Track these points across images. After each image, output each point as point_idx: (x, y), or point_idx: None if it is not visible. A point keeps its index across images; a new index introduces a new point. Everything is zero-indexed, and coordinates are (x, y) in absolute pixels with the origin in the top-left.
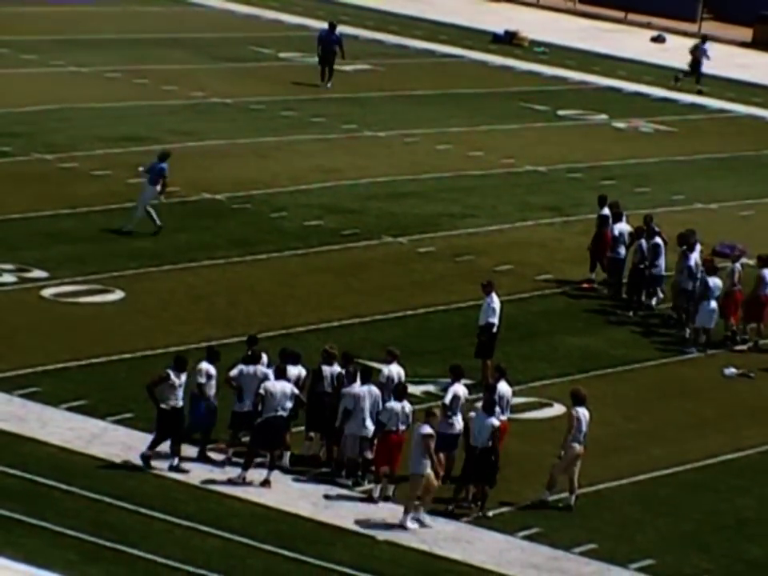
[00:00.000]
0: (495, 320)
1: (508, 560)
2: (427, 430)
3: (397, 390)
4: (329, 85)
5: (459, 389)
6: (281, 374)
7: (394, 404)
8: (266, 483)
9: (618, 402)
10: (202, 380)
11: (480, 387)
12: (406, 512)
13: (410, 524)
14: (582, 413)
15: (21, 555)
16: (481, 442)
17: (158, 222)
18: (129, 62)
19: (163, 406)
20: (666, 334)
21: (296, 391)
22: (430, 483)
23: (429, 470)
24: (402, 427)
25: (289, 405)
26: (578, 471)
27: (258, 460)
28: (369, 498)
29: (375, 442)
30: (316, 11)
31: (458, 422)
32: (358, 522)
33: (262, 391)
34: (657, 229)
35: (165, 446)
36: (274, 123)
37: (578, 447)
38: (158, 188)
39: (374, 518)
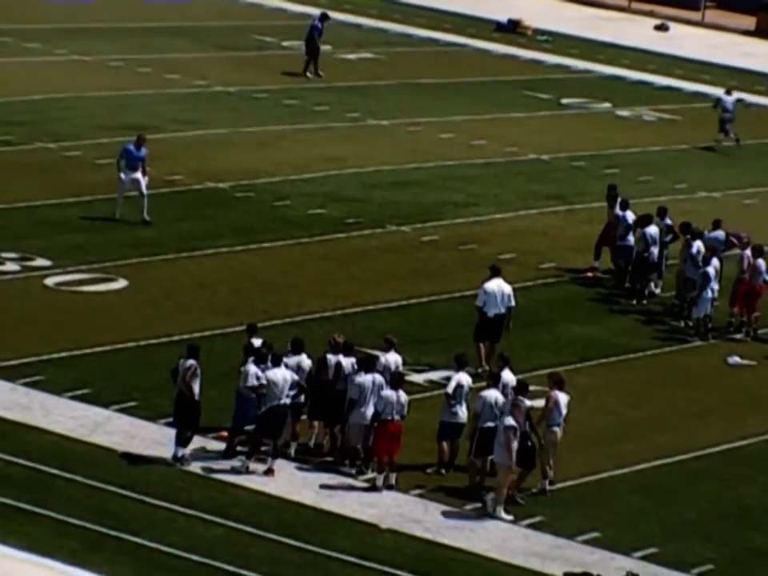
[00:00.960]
0: (479, 303)
1: (511, 548)
2: (509, 422)
3: (393, 379)
4: (320, 74)
5: (463, 377)
6: (277, 362)
7: (389, 392)
8: (269, 472)
9: (621, 390)
10: (254, 382)
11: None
12: (498, 502)
13: (504, 515)
14: (561, 397)
15: (24, 544)
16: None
17: (118, 214)
18: (132, 50)
19: (196, 398)
20: (668, 323)
21: (296, 377)
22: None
23: (512, 462)
24: (397, 417)
25: (290, 392)
26: (554, 456)
27: (262, 448)
28: (372, 487)
29: (372, 431)
30: (319, 0)
31: (462, 411)
32: (360, 511)
33: (264, 380)
34: (670, 222)
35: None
36: (276, 112)
37: (558, 432)
38: (139, 174)
39: (377, 506)
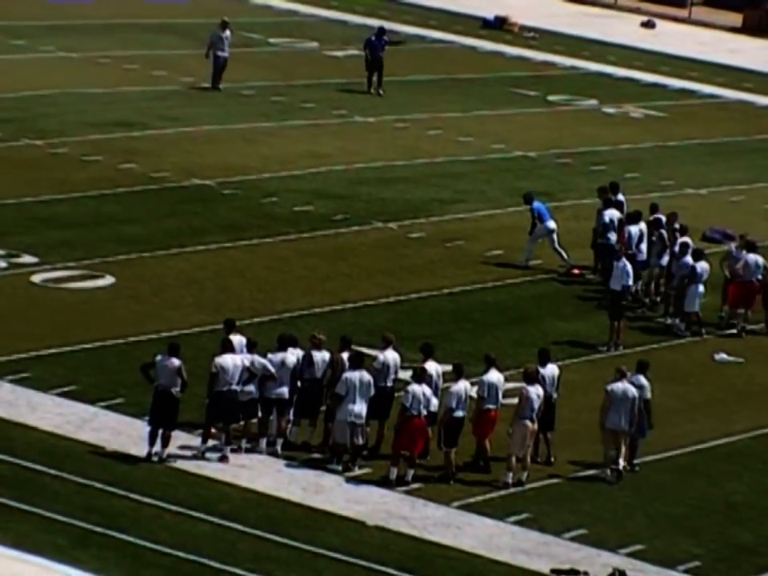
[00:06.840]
0: (630, 282)
1: (498, 545)
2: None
3: (415, 374)
4: (381, 92)
5: (432, 366)
6: (228, 348)
7: (414, 387)
8: (223, 459)
9: None
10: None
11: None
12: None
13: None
14: (534, 391)
15: (10, 540)
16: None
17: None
18: (118, 47)
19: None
20: (654, 319)
21: (246, 363)
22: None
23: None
24: (424, 411)
25: (239, 378)
26: (531, 448)
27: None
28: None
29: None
30: None
31: (433, 400)
32: (347, 508)
33: (213, 369)
34: (672, 223)
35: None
36: (263, 108)
37: (529, 424)
38: (551, 225)
39: (364, 503)
